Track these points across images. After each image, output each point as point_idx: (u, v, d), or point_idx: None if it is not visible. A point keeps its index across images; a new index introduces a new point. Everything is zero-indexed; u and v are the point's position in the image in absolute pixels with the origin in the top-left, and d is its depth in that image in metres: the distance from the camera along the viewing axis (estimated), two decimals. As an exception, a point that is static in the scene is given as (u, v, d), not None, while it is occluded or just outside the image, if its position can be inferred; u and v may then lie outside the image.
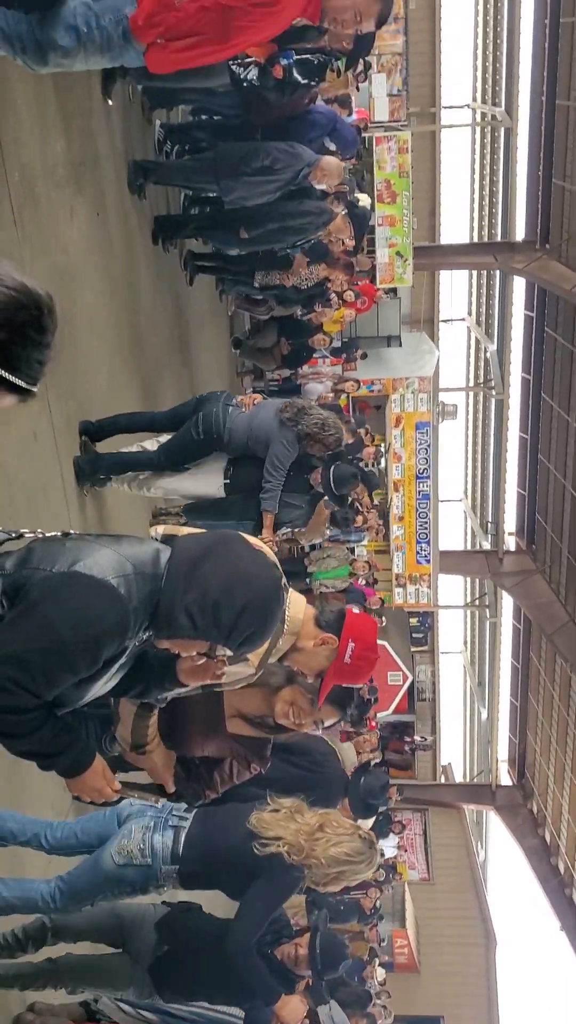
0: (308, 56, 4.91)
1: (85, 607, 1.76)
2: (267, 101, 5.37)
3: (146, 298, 6.17)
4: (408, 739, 19.01)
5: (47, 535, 2.00)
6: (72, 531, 2.09)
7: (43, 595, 1.77)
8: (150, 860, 3.06)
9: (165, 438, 5.04)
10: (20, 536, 2.00)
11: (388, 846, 12.37)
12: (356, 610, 4.81)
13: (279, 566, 2.07)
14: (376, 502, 15.59)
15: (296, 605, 2.70)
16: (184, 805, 3.15)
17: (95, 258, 5.02)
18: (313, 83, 5.38)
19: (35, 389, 1.49)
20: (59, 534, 1.99)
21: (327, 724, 2.97)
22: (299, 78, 5.14)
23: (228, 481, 4.96)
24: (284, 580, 2.05)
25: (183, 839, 3.09)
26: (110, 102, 5.23)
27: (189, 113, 7.03)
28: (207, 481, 5.00)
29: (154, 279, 6.41)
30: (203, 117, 6.54)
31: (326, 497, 5.35)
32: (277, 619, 2.02)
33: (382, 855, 10.92)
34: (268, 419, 4.89)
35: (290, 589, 2.63)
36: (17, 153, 3.96)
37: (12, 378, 1.43)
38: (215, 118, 6.37)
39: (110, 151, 5.36)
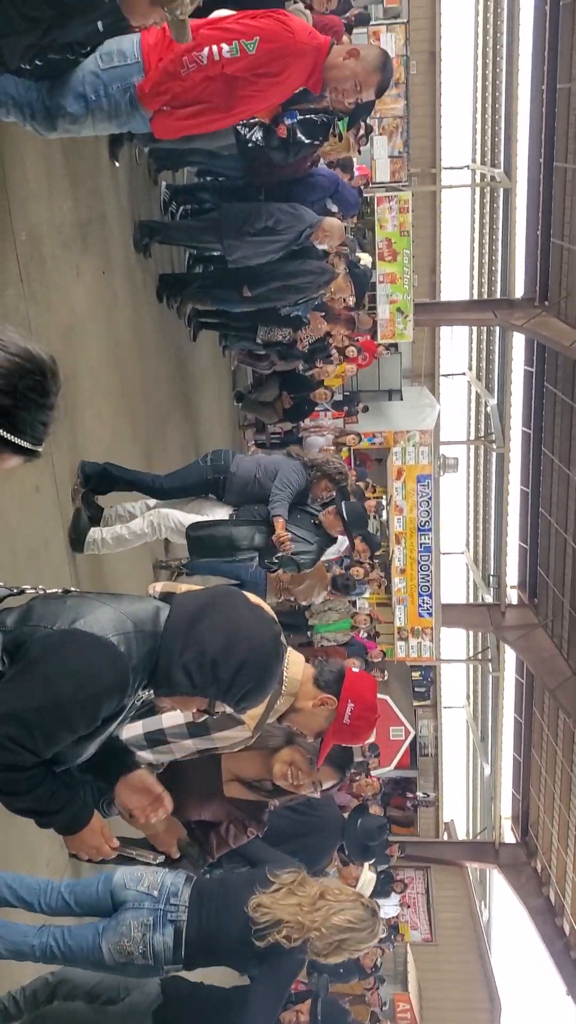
0: (311, 116, 5.04)
1: (85, 665, 1.76)
2: (271, 162, 5.49)
3: (150, 353, 6.24)
4: (410, 795, 18.75)
5: (48, 592, 2.01)
6: (73, 588, 2.10)
7: (44, 653, 1.78)
8: (151, 961, 2.96)
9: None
10: (21, 592, 2.01)
11: (390, 905, 12.14)
12: (358, 664, 4.80)
13: (277, 621, 2.07)
14: (378, 554, 15.60)
15: (295, 665, 2.67)
16: (181, 892, 3.10)
17: (100, 315, 5.09)
18: (316, 142, 5.50)
19: (40, 450, 1.52)
20: (60, 591, 1.99)
21: (325, 787, 2.94)
22: (303, 138, 5.26)
23: (235, 512, 5.05)
24: (283, 636, 2.04)
25: (184, 935, 3.00)
26: (117, 164, 5.35)
27: (194, 175, 7.19)
28: (212, 512, 5.06)
29: (158, 335, 6.49)
30: (208, 179, 6.69)
31: (332, 560, 5.39)
32: (276, 675, 2.01)
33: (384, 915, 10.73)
34: (276, 458, 5.11)
35: (289, 648, 2.62)
36: (25, 213, 4.04)
37: (17, 440, 1.46)
38: (220, 180, 6.52)
39: (116, 211, 5.47)
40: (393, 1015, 14.56)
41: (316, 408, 10.35)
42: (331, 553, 5.67)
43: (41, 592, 2.01)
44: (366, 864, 5.89)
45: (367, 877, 5.22)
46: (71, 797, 1.93)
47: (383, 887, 10.70)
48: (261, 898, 2.93)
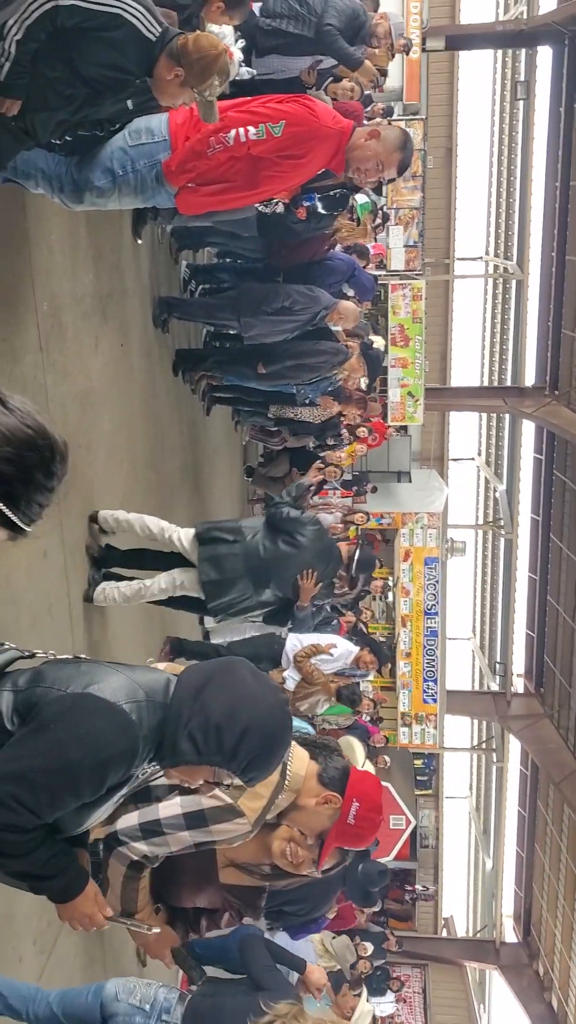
0: (330, 192, 5.19)
1: (96, 730, 1.75)
2: (289, 244, 5.62)
3: (164, 425, 6.29)
4: (409, 888, 18.21)
5: (59, 657, 2.01)
6: (83, 656, 2.09)
7: (55, 715, 1.76)
8: None
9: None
10: (32, 656, 2.01)
11: (386, 1002, 11.66)
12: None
13: (284, 690, 2.06)
14: (383, 637, 15.47)
15: (298, 760, 2.56)
16: (174, 1009, 2.99)
17: (116, 386, 5.15)
18: (336, 212, 5.63)
19: (28, 530, 1.49)
20: (71, 657, 1.99)
21: (326, 868, 2.85)
22: (322, 211, 5.41)
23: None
24: (289, 707, 2.01)
25: None
26: (139, 242, 5.47)
27: (214, 256, 7.37)
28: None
29: (172, 408, 6.56)
30: (227, 260, 6.85)
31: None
32: (282, 743, 2.00)
33: (376, 1018, 10.29)
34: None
35: (294, 743, 2.53)
36: (48, 284, 4.12)
37: (10, 514, 1.43)
38: (239, 262, 6.68)
39: (136, 286, 5.58)
40: None
41: (325, 486, 10.40)
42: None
43: (52, 656, 2.01)
44: (363, 996, 5.72)
45: (364, 1008, 4.99)
46: (67, 864, 1.89)
47: (379, 984, 10.31)
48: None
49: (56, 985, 3.84)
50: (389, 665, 15.33)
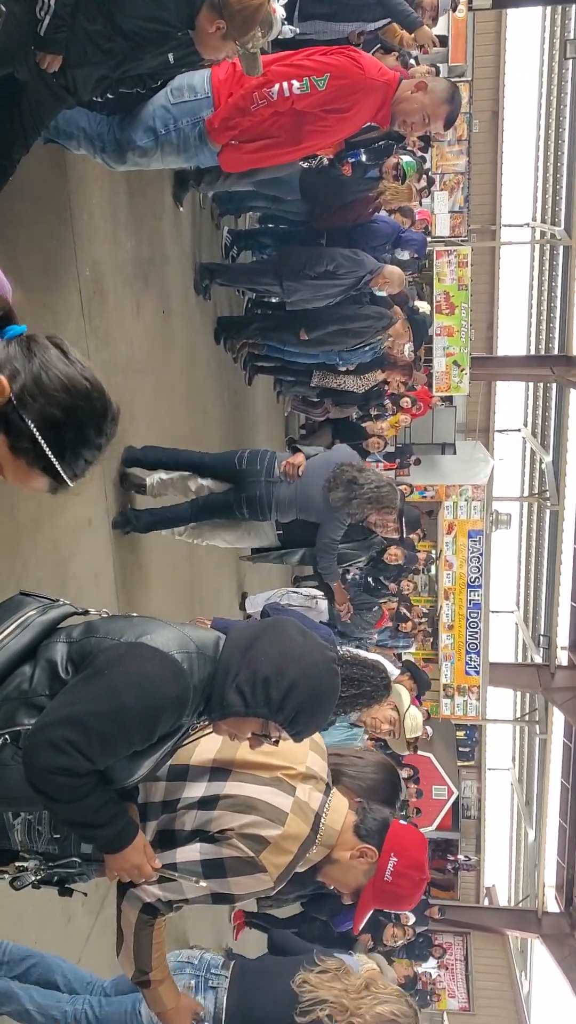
0: (374, 144, 5.09)
1: (149, 676, 1.77)
2: (334, 198, 5.52)
3: (205, 395, 6.26)
4: (451, 858, 18.27)
5: (113, 614, 2.04)
6: (135, 614, 2.10)
7: (108, 662, 1.78)
8: None
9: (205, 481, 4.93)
10: (86, 612, 2.04)
11: (428, 967, 11.76)
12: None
13: (332, 648, 2.02)
14: (425, 610, 15.41)
15: (335, 813, 2.38)
16: (221, 966, 2.99)
17: (158, 353, 5.12)
18: (381, 163, 5.52)
19: (70, 484, 1.50)
20: (123, 614, 2.01)
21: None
22: (367, 163, 5.31)
23: (281, 532, 4.87)
24: (337, 663, 1.98)
25: (223, 1003, 2.88)
26: (181, 208, 5.41)
27: (256, 221, 7.28)
28: (259, 536, 4.94)
29: (214, 377, 6.52)
30: (270, 225, 6.76)
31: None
32: (329, 699, 1.99)
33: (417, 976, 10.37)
34: (316, 498, 4.70)
35: (334, 791, 2.43)
36: (89, 249, 4.08)
37: (55, 462, 1.45)
38: (281, 227, 6.59)
39: (178, 252, 5.53)
40: None
41: (368, 459, 10.31)
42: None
43: (106, 614, 2.03)
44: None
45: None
46: (118, 813, 1.90)
47: (421, 950, 10.38)
48: (307, 975, 2.83)
49: (102, 946, 3.88)
50: (431, 636, 15.28)
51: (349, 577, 9.79)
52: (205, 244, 6.18)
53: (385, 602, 10.92)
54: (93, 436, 1.47)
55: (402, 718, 4.23)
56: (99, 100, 2.97)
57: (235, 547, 5.33)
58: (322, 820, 2.32)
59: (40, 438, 1.42)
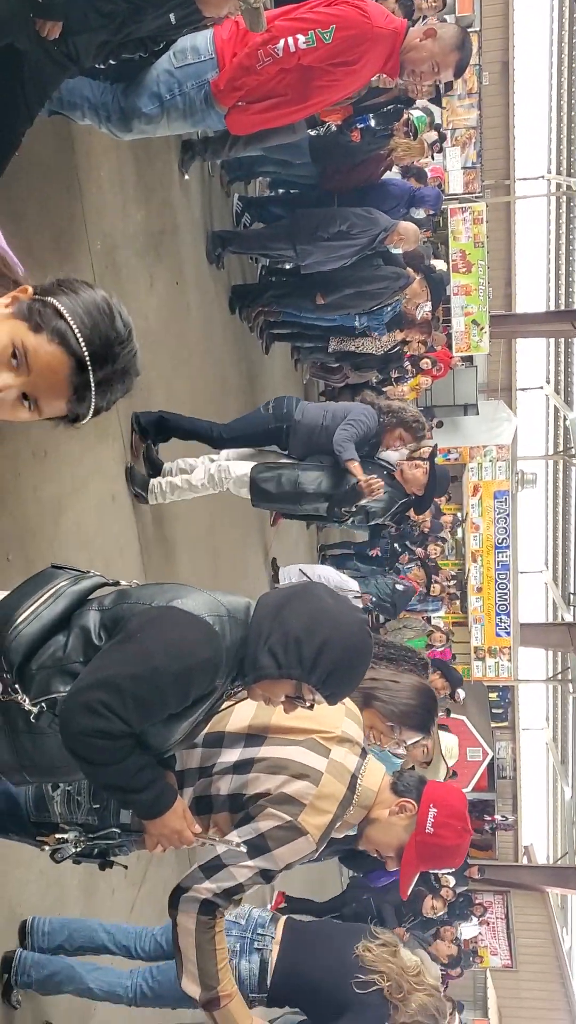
0: (383, 108, 4.97)
1: (182, 639, 1.79)
2: (344, 167, 5.43)
3: (223, 365, 6.22)
4: (488, 818, 18.34)
5: (143, 583, 2.05)
6: (166, 582, 2.12)
7: (141, 625, 1.80)
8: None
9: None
10: (117, 584, 2.05)
11: (469, 927, 11.85)
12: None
13: (361, 610, 2.00)
14: (453, 573, 15.36)
15: (371, 775, 2.39)
16: (268, 925, 2.99)
17: (173, 325, 5.08)
18: (390, 127, 5.41)
19: (86, 418, 1.48)
20: (155, 582, 2.04)
21: (409, 743, 2.79)
22: (375, 127, 5.20)
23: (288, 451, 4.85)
24: (368, 626, 1.96)
25: (270, 965, 2.89)
26: (187, 177, 5.34)
27: (267, 186, 7.18)
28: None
29: (231, 347, 6.47)
30: (280, 191, 6.67)
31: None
32: (362, 658, 1.97)
33: (459, 940, 10.44)
34: (345, 404, 4.86)
35: (370, 756, 2.42)
36: (99, 222, 4.04)
37: (88, 361, 1.42)
38: (292, 192, 6.49)
39: (189, 222, 5.47)
40: (473, 1042, 14.19)
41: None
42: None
43: (136, 584, 2.04)
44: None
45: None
46: (156, 778, 1.90)
47: (462, 910, 10.44)
48: (369, 946, 2.86)
49: (147, 916, 3.93)
50: (458, 596, 15.24)
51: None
52: (216, 212, 6.11)
53: (412, 569, 10.91)
54: (120, 384, 1.47)
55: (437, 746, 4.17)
56: (101, 67, 2.91)
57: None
58: (359, 781, 2.31)
59: (73, 325, 1.41)
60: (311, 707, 1.99)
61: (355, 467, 4.54)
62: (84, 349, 1.41)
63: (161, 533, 4.78)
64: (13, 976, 2.96)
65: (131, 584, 2.04)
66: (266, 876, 2.16)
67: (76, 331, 1.40)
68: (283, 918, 3.15)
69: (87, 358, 1.41)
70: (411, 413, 4.90)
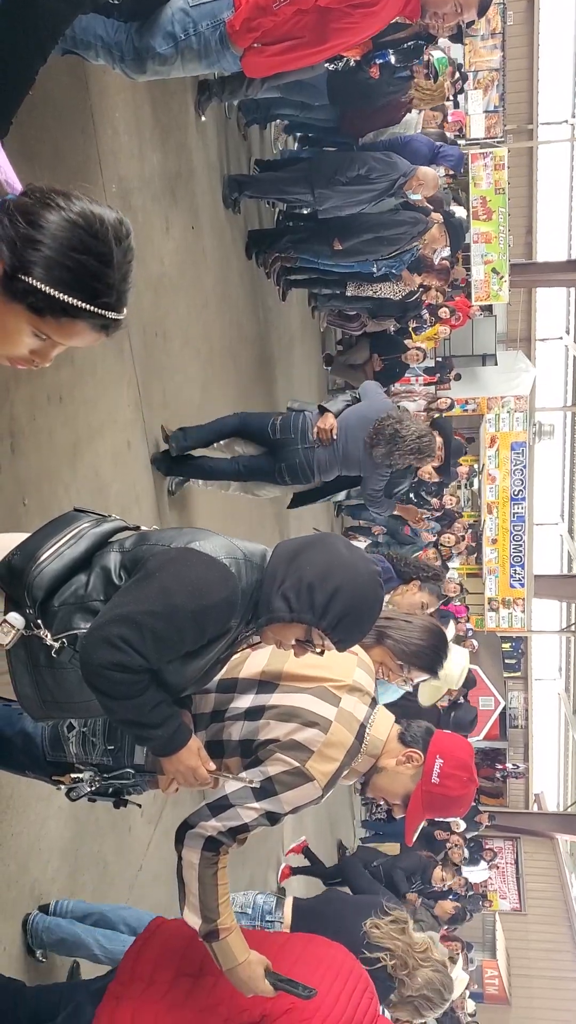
0: (403, 44, 4.84)
1: (199, 578, 1.83)
2: (364, 101, 5.33)
3: (239, 312, 6.18)
4: (500, 766, 18.55)
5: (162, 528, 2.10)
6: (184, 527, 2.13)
7: (159, 565, 1.85)
8: None
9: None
10: (137, 528, 2.09)
11: (479, 871, 12.07)
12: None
13: (376, 562, 2.04)
14: (469, 523, 15.34)
15: (380, 725, 2.42)
16: (275, 910, 3.03)
17: (189, 270, 5.04)
18: (411, 65, 5.28)
19: (120, 315, 1.47)
20: (174, 527, 2.08)
21: (416, 681, 2.86)
22: (396, 64, 5.08)
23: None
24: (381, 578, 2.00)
25: None
26: (203, 118, 5.26)
27: (283, 130, 7.07)
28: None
29: (247, 293, 6.42)
30: (298, 134, 6.56)
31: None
32: (373, 609, 2.01)
33: (470, 884, 10.65)
34: (357, 454, 4.65)
35: (380, 706, 2.46)
36: (115, 165, 4.00)
37: (94, 308, 1.42)
38: (310, 135, 6.38)
39: (205, 166, 5.40)
40: (481, 980, 14.53)
41: (407, 373, 10.15)
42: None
43: (154, 528, 2.10)
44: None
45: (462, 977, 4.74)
46: (171, 715, 1.94)
47: (473, 854, 10.63)
48: (378, 923, 2.93)
49: (163, 851, 4.03)
50: (470, 540, 15.20)
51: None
52: (232, 156, 6.03)
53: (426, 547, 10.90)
54: (107, 260, 1.42)
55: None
56: (115, 3, 2.86)
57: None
58: (367, 730, 2.34)
59: (57, 293, 1.39)
60: (321, 653, 2.02)
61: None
62: (87, 306, 1.42)
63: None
64: (28, 937, 3.03)
65: (151, 528, 2.08)
66: (271, 818, 2.19)
67: (71, 300, 1.40)
68: (289, 900, 3.22)
69: (91, 309, 1.42)
70: (427, 451, 4.66)
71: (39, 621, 1.87)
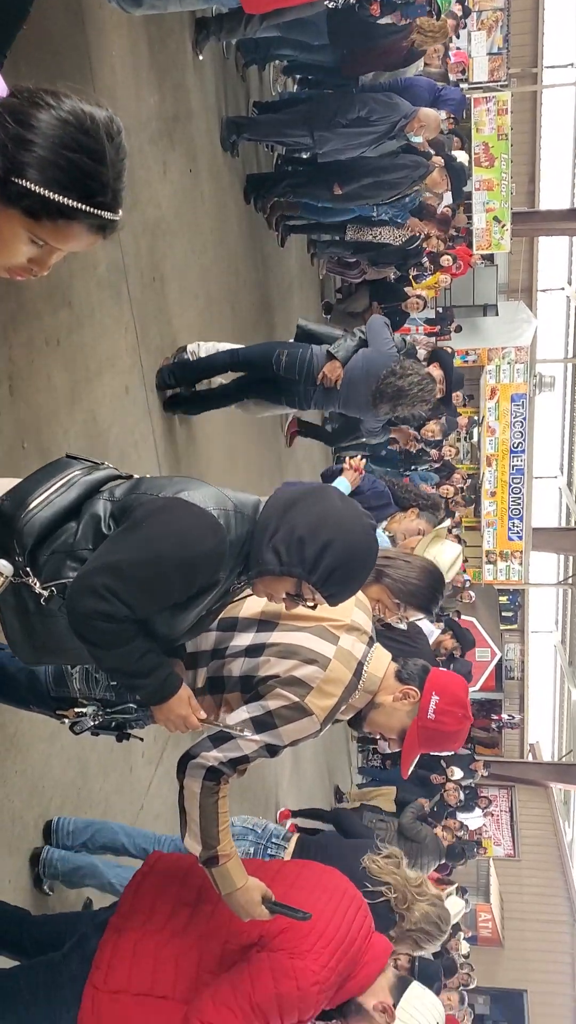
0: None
1: (186, 529, 1.82)
2: (365, 41, 5.22)
3: (237, 258, 6.12)
4: (495, 717, 18.76)
5: (154, 476, 2.08)
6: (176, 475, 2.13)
7: (147, 514, 1.84)
8: None
9: None
10: (130, 477, 2.07)
11: (474, 818, 12.28)
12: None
13: (371, 516, 2.03)
14: (468, 476, 15.34)
15: (377, 662, 2.47)
16: (284, 836, 3.07)
17: (187, 214, 4.99)
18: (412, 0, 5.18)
19: (116, 216, 1.42)
20: (165, 476, 2.02)
21: (412, 619, 2.91)
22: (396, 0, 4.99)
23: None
24: (374, 531, 1.98)
25: None
26: (200, 57, 5.17)
27: (282, 71, 6.94)
28: None
29: (246, 238, 6.36)
30: (297, 76, 6.43)
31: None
32: (364, 562, 1.98)
33: (465, 827, 10.85)
34: (358, 401, 4.70)
35: (377, 645, 2.50)
36: (112, 105, 3.84)
37: (90, 208, 1.37)
38: (309, 76, 6.26)
39: (203, 107, 5.32)
40: (475, 924, 14.86)
41: (407, 323, 10.08)
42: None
43: (148, 476, 2.07)
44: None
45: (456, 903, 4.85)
46: (160, 664, 1.95)
47: (468, 801, 10.80)
48: (375, 858, 2.99)
49: (164, 790, 4.10)
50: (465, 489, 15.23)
51: (391, 448, 9.77)
52: (230, 97, 5.93)
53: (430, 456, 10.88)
54: (99, 158, 1.36)
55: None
56: None
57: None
58: (364, 668, 2.39)
59: (53, 194, 1.35)
60: (313, 607, 2.02)
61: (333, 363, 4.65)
62: (83, 206, 1.38)
63: (176, 426, 4.81)
64: (41, 868, 3.11)
65: (143, 477, 2.06)
66: (271, 750, 2.24)
67: (67, 200, 1.36)
68: (296, 836, 3.29)
69: (88, 209, 1.38)
70: (428, 398, 4.71)
71: (28, 569, 1.86)
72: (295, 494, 2.02)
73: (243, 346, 4.97)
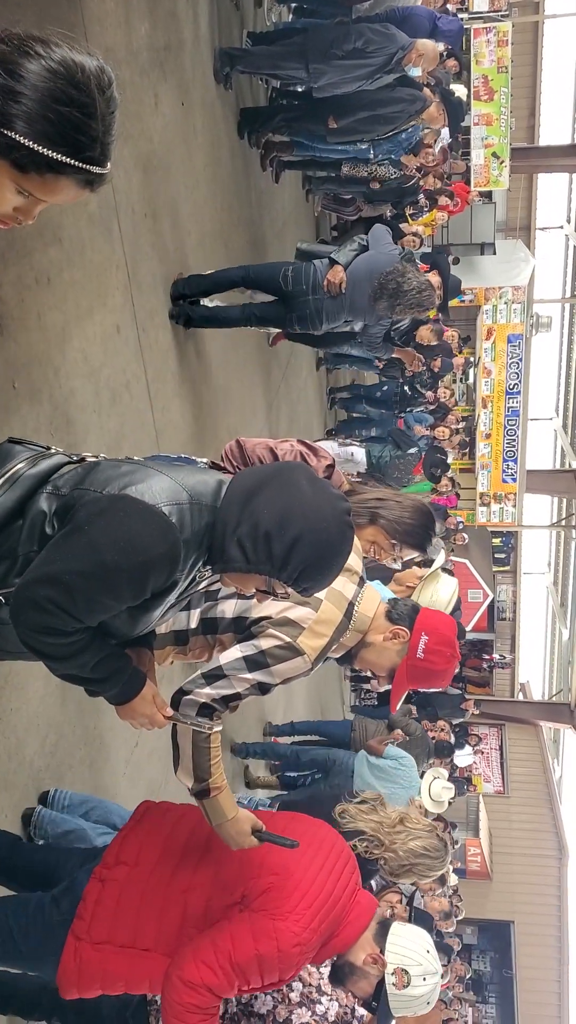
0: None
1: (132, 533, 1.66)
2: None
3: (230, 194, 6.01)
4: (487, 657, 19.01)
5: (108, 459, 1.91)
6: (135, 457, 1.98)
7: (89, 517, 1.68)
8: None
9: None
10: (81, 460, 1.92)
11: (464, 755, 12.50)
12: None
13: (346, 498, 1.92)
14: (463, 418, 15.29)
15: (368, 601, 2.51)
16: (267, 799, 3.10)
17: (179, 150, 4.89)
18: None
19: (104, 170, 1.40)
20: (123, 458, 1.90)
21: (407, 559, 2.96)
22: None
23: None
24: (350, 514, 1.87)
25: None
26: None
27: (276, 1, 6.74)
28: None
29: (239, 175, 6.24)
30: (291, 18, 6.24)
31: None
32: (339, 553, 1.86)
33: (455, 766, 11.05)
34: (362, 304, 4.88)
35: (368, 584, 2.53)
36: (101, 34, 3.84)
37: (80, 164, 1.35)
38: (305, 6, 6.08)
39: (195, 37, 5.17)
40: (464, 858, 15.23)
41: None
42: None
43: (102, 459, 1.91)
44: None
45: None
46: (120, 667, 1.85)
47: (458, 739, 10.98)
48: (347, 806, 2.96)
49: (158, 731, 4.16)
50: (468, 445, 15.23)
51: (385, 390, 9.73)
52: (224, 27, 5.76)
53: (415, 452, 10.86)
54: (90, 112, 1.34)
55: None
56: None
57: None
58: (355, 608, 2.43)
59: (41, 148, 1.32)
60: (286, 596, 1.92)
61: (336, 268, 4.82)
62: (72, 161, 1.35)
63: (168, 367, 4.77)
64: (32, 829, 3.13)
65: (98, 459, 1.90)
66: (263, 688, 2.27)
67: (56, 155, 1.33)
68: (279, 804, 3.33)
69: (76, 164, 1.36)
70: (427, 304, 5.00)
71: None
72: (259, 478, 1.85)
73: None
